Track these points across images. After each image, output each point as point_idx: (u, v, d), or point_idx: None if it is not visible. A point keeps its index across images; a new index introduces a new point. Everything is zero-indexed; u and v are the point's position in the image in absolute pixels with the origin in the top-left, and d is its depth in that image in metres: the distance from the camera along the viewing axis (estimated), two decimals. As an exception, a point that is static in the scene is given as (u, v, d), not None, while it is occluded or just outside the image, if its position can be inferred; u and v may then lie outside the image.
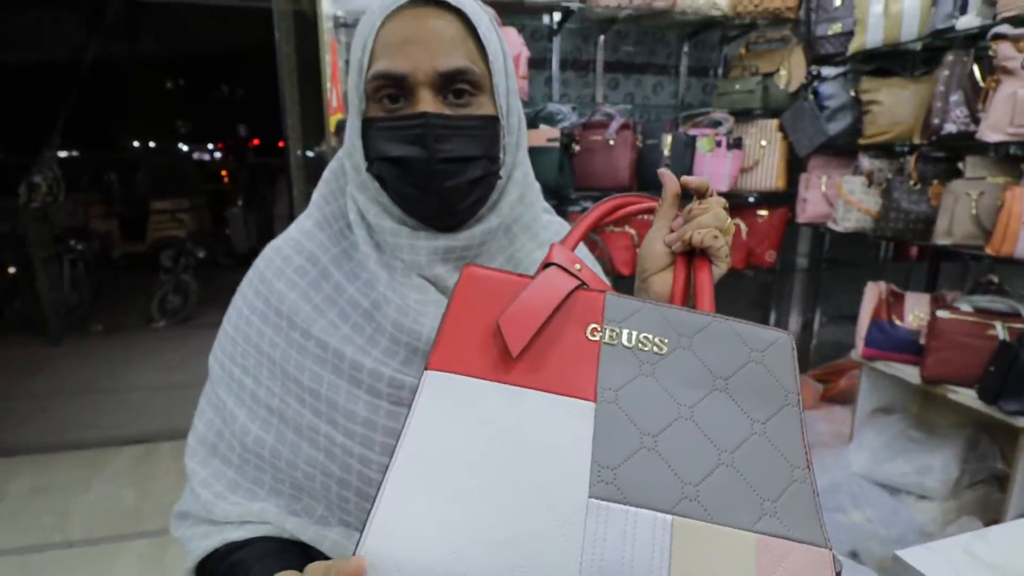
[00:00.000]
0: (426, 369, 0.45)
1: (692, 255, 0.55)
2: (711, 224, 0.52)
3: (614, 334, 0.47)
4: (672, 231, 0.56)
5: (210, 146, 10.76)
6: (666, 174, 0.58)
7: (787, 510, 0.41)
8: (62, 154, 6.84)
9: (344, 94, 2.26)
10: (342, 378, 0.59)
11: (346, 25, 2.09)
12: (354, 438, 0.58)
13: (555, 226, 0.70)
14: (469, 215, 0.59)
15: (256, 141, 10.29)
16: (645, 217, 1.01)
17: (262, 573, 0.54)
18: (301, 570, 0.51)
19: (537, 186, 0.67)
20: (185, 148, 10.43)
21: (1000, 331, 1.65)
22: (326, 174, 0.66)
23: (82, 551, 2.15)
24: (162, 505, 2.40)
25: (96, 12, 5.66)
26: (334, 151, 2.09)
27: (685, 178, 0.57)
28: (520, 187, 0.63)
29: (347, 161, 0.61)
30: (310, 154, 2.72)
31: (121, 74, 7.64)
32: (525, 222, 0.65)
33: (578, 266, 0.49)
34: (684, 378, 0.45)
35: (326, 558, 0.59)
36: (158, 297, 4.88)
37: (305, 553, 0.60)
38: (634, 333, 0.47)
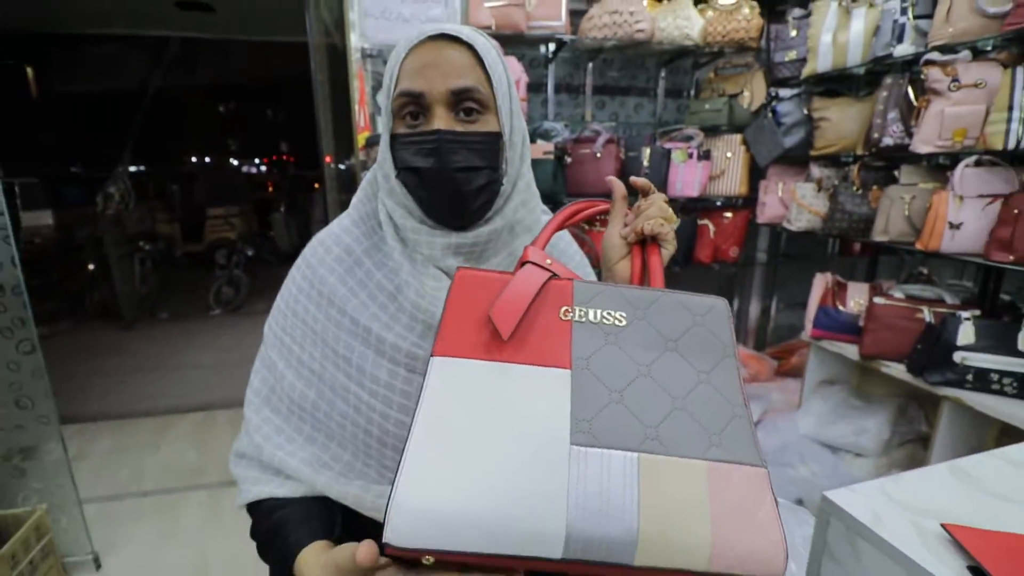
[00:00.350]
0: (432, 356, 0.46)
1: (644, 243, 0.57)
2: (657, 215, 0.55)
3: (582, 313, 0.48)
4: (626, 226, 0.58)
5: (256, 160, 10.78)
6: (613, 181, 0.60)
7: (730, 440, 0.43)
8: (132, 169, 6.88)
9: (371, 115, 2.28)
10: (369, 349, 0.61)
11: (371, 56, 2.11)
12: (377, 397, 0.60)
13: None
14: (477, 216, 0.60)
15: (293, 159, 10.31)
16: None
17: (300, 540, 0.57)
18: (325, 534, 0.58)
19: (538, 194, 0.68)
20: (235, 163, 10.44)
21: (927, 315, 1.66)
22: (363, 182, 0.67)
23: (154, 499, 2.20)
24: (219, 463, 2.44)
25: (159, 48, 5.70)
26: (362, 164, 2.12)
27: (633, 179, 0.59)
28: (523, 194, 0.63)
29: (379, 171, 0.62)
30: (342, 167, 2.74)
31: (180, 100, 7.67)
32: (527, 224, 0.66)
33: (548, 261, 0.51)
34: (641, 343, 0.47)
35: (350, 512, 0.62)
36: (214, 289, 4.90)
37: (331, 513, 0.62)
38: (598, 311, 0.48)
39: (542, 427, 0.42)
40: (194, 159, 9.71)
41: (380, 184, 0.62)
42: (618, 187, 0.60)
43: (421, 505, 0.39)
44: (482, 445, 0.41)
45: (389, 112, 0.58)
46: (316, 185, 7.24)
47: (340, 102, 2.30)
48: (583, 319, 0.48)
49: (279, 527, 0.60)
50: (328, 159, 2.61)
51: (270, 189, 9.02)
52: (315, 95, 2.39)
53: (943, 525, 0.60)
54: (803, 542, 1.19)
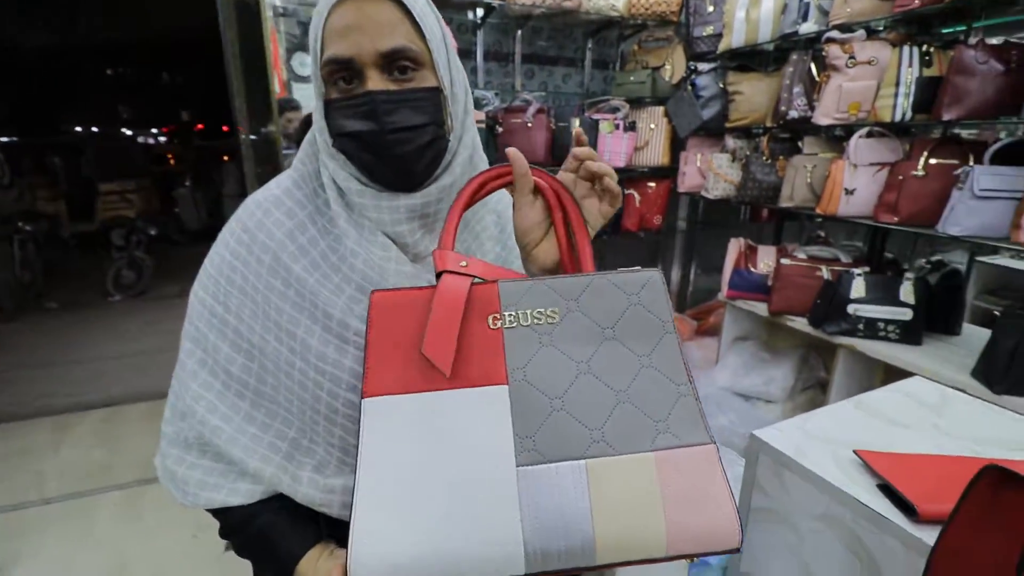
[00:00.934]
0: (362, 399, 0.43)
1: (567, 222, 0.53)
2: (607, 170, 0.54)
3: (512, 318, 0.45)
4: (543, 202, 0.55)
5: (154, 130, 9.68)
6: (512, 153, 0.54)
7: (677, 423, 0.42)
8: (3, 140, 5.95)
9: (286, 81, 2.10)
10: (316, 324, 0.57)
11: (285, 15, 1.93)
12: (324, 375, 0.57)
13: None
14: (426, 176, 0.56)
15: (201, 126, 9.36)
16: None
17: (292, 551, 0.59)
18: (315, 537, 0.60)
19: (483, 153, 0.64)
20: (129, 132, 9.33)
21: (825, 273, 1.82)
22: (305, 140, 0.62)
23: (60, 506, 2.00)
24: (133, 460, 2.25)
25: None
26: (282, 131, 1.96)
27: (576, 150, 0.56)
28: (469, 149, 0.60)
29: (319, 136, 0.58)
30: (254, 137, 2.52)
31: (61, 60, 6.66)
32: None
33: (464, 263, 0.48)
34: (578, 337, 0.45)
35: (303, 508, 0.60)
36: (112, 273, 4.46)
37: (308, 509, 0.61)
38: (528, 312, 0.46)
39: (486, 453, 0.41)
40: (79, 128, 8.56)
41: (321, 147, 0.58)
42: (519, 163, 0.53)
43: (378, 556, 0.38)
44: (429, 483, 0.40)
45: (319, 78, 0.54)
46: (226, 157, 6.65)
47: (252, 64, 2.09)
48: (514, 324, 0.45)
49: (263, 536, 0.60)
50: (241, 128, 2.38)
51: (172, 161, 8.19)
52: (225, 55, 2.15)
53: (856, 451, 0.67)
54: (731, 480, 1.31)
